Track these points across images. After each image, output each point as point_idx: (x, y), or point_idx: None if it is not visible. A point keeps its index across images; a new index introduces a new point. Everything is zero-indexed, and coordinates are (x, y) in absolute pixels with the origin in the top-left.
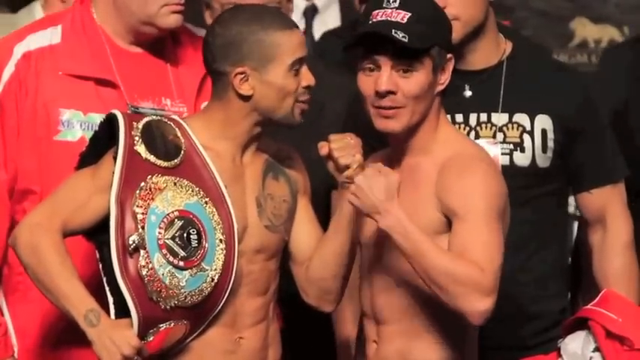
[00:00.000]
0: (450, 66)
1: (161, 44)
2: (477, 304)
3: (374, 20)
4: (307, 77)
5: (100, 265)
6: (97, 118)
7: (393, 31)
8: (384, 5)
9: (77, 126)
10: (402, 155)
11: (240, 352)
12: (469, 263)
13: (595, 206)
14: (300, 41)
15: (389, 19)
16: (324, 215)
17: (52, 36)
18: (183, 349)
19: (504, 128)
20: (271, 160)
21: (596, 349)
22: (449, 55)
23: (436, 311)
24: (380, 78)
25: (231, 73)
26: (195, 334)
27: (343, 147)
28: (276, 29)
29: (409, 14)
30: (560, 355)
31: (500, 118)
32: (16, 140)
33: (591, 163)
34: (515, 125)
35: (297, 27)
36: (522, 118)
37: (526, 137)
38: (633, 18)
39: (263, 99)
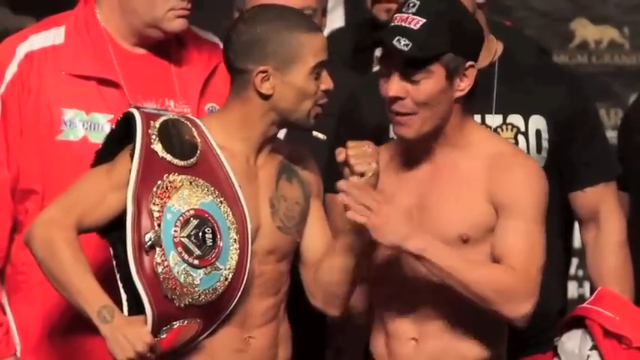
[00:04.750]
0: (472, 73)
1: (165, 45)
2: (519, 309)
3: (391, 25)
4: (327, 81)
5: (114, 262)
6: (100, 117)
7: (397, 38)
8: (403, 10)
9: (79, 125)
10: (431, 152)
11: (250, 351)
12: (506, 270)
13: (588, 205)
14: (323, 45)
15: (403, 24)
16: None
17: (55, 36)
18: (194, 348)
19: (499, 130)
20: (285, 162)
21: (594, 348)
22: (469, 62)
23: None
24: (389, 84)
25: (253, 71)
26: (206, 333)
27: (360, 154)
28: (302, 31)
29: (423, 20)
30: (556, 354)
31: (494, 120)
32: (18, 140)
33: (585, 162)
34: (509, 126)
35: (321, 30)
36: (516, 119)
37: (521, 138)
38: (633, 19)
39: (282, 99)
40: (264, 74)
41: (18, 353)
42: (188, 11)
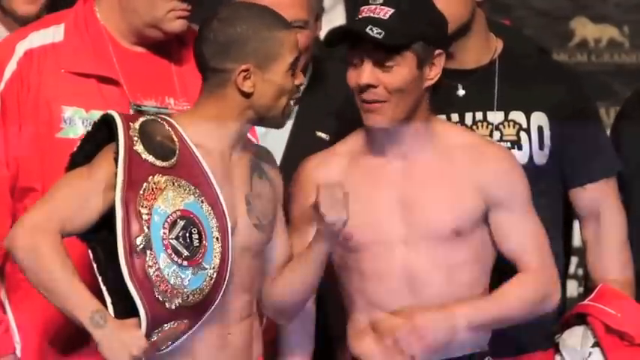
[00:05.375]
0: (441, 61)
1: (165, 44)
2: (553, 302)
3: (359, 17)
4: (299, 76)
5: (95, 266)
6: (99, 115)
7: (369, 27)
8: (370, 2)
9: (79, 123)
10: (402, 145)
11: (229, 347)
12: (526, 281)
13: (589, 201)
14: (297, 41)
15: (372, 15)
16: None
17: (54, 34)
18: (177, 347)
19: (501, 126)
20: (255, 159)
21: (596, 345)
22: (438, 51)
23: (479, 293)
24: (361, 72)
25: (233, 71)
26: (190, 332)
27: (331, 203)
28: (279, 29)
29: (392, 10)
30: (558, 351)
31: (496, 117)
32: (17, 137)
33: (585, 158)
34: (511, 123)
35: (293, 27)
36: (518, 116)
37: (523, 135)
38: (633, 18)
39: (261, 97)
40: (246, 73)
41: (18, 352)
42: (188, 12)
